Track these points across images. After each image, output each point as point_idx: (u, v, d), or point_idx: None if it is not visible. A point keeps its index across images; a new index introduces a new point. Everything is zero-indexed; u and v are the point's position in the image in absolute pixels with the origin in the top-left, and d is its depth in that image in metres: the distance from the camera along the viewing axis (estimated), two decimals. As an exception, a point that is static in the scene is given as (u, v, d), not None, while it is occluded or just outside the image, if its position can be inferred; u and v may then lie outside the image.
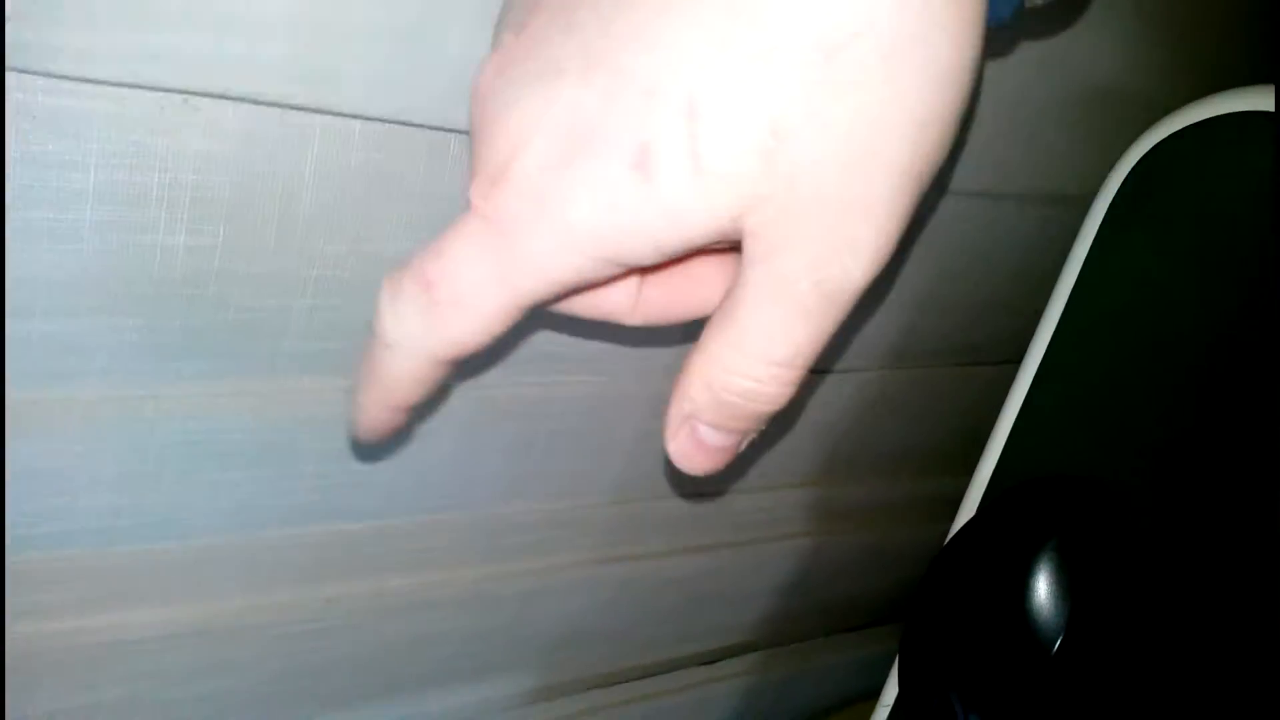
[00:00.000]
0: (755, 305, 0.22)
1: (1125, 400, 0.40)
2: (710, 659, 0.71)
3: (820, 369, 0.62)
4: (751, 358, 0.22)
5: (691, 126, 0.19)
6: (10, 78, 0.29)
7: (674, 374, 0.25)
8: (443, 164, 0.39)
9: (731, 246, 0.22)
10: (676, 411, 0.24)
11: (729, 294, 0.22)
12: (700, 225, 0.21)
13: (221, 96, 0.33)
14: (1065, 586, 0.38)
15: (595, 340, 0.48)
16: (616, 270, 0.23)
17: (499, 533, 0.53)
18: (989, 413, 0.46)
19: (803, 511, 0.66)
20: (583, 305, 0.28)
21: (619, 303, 0.28)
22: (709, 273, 0.28)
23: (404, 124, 0.37)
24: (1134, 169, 0.41)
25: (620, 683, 0.68)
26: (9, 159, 0.31)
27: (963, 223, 0.58)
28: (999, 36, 0.43)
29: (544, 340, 0.47)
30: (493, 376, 0.47)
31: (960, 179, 0.55)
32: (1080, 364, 0.42)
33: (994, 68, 0.51)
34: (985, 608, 0.40)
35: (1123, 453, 0.40)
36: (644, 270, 0.27)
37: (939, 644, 0.42)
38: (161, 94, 0.32)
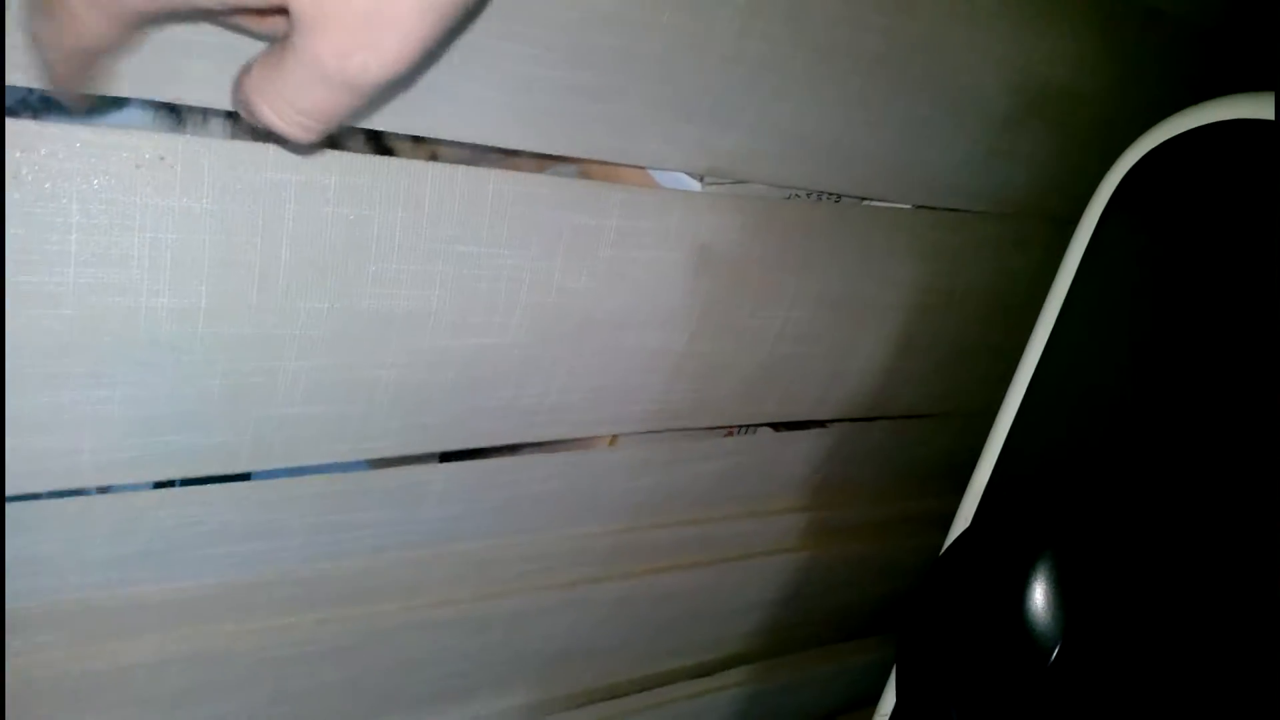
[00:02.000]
0: (293, 63, 0.25)
1: (1120, 408, 0.40)
2: (705, 671, 0.71)
3: (811, 423, 0.63)
4: (285, 100, 0.26)
5: None
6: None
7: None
8: (419, 216, 0.39)
9: None
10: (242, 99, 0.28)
11: (283, 40, 0.26)
12: None
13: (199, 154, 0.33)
14: (1061, 596, 0.38)
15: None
16: None
17: (492, 563, 0.53)
18: (983, 437, 0.46)
19: (796, 530, 0.67)
20: None
21: None
22: None
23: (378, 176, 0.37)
24: (1126, 175, 0.41)
25: (614, 697, 0.68)
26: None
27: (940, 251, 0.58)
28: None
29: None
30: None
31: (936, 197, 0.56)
32: (1074, 372, 0.42)
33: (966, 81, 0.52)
34: (982, 618, 0.40)
35: (1117, 461, 0.40)
36: None
37: (936, 655, 0.42)
38: (138, 153, 0.32)
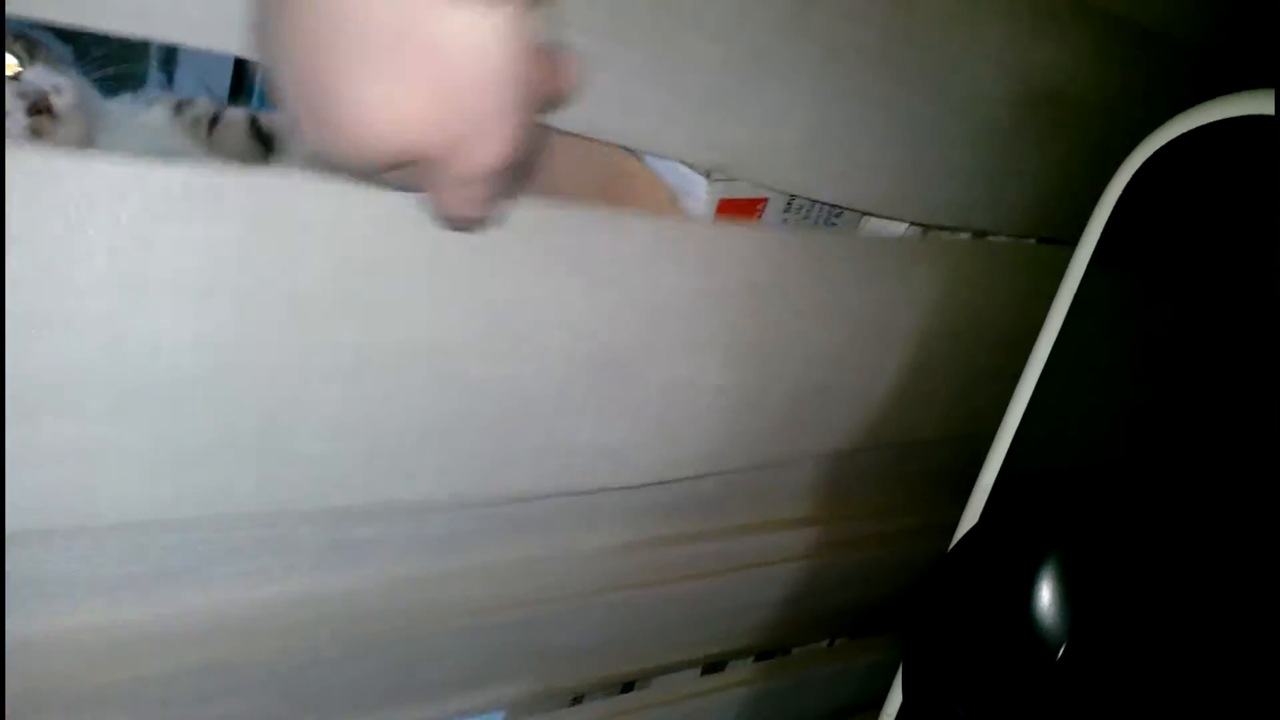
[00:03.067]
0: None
1: (1126, 408, 0.40)
2: (712, 666, 0.71)
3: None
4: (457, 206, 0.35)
5: None
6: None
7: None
8: (444, 246, 0.38)
9: None
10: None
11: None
12: None
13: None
14: (1067, 595, 0.38)
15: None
16: None
17: (501, 576, 0.53)
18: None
19: (803, 542, 0.67)
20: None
21: None
22: None
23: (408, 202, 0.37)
24: (1131, 180, 0.41)
25: (621, 692, 0.68)
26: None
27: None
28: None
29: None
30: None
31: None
32: (1082, 370, 0.42)
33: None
34: (989, 616, 0.40)
35: (1123, 459, 0.40)
36: None
37: (942, 654, 0.42)
38: (164, 183, 0.32)
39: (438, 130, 0.30)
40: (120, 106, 0.42)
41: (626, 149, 0.47)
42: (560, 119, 0.41)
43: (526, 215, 0.40)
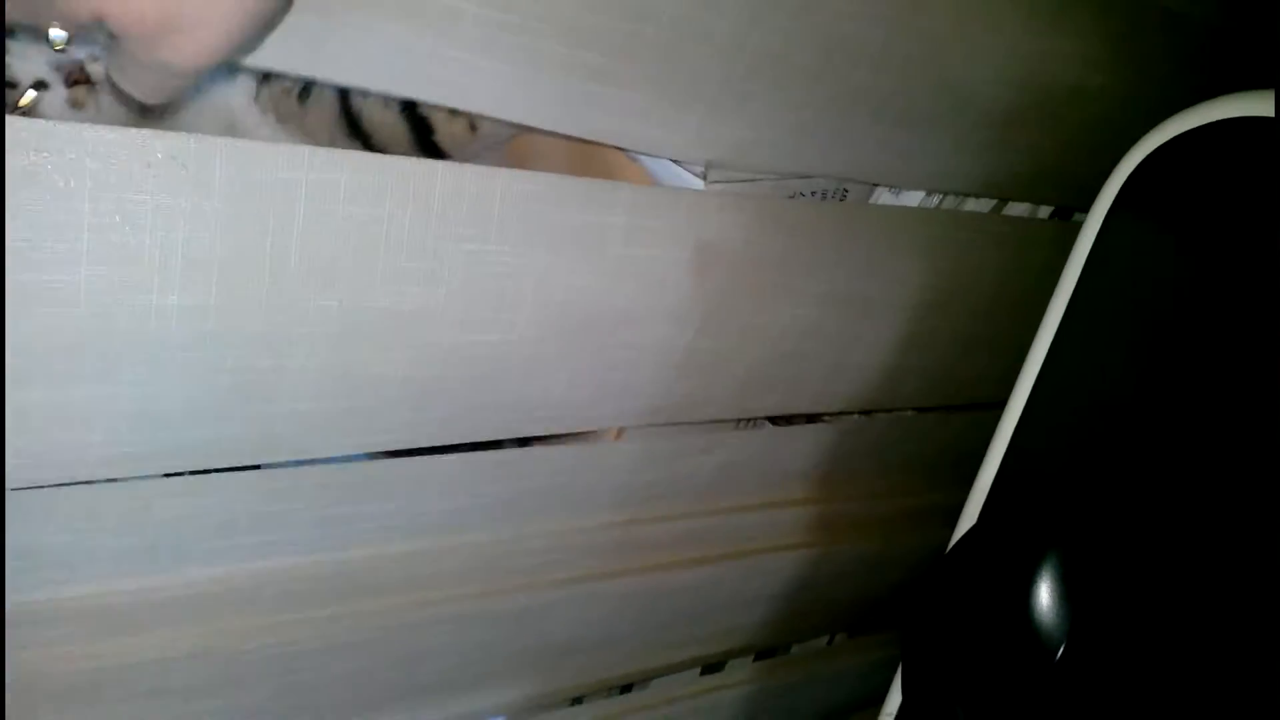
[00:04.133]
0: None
1: (1126, 406, 0.40)
2: (712, 664, 0.71)
3: (812, 416, 0.63)
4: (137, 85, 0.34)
5: None
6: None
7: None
8: (428, 214, 0.39)
9: None
10: None
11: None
12: None
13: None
14: (1067, 595, 0.38)
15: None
16: None
17: (499, 556, 0.53)
18: (987, 431, 0.46)
19: (800, 524, 0.67)
20: None
21: None
22: None
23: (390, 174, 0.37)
24: (1133, 172, 0.41)
25: (621, 691, 0.68)
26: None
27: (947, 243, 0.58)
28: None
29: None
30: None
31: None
32: (1080, 369, 0.42)
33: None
34: (988, 617, 0.40)
35: (1123, 458, 0.40)
36: None
37: (942, 653, 0.42)
38: (149, 152, 0.32)
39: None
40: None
41: (620, 149, 0.47)
42: (558, 121, 0.41)
43: (510, 183, 0.40)
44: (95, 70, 0.38)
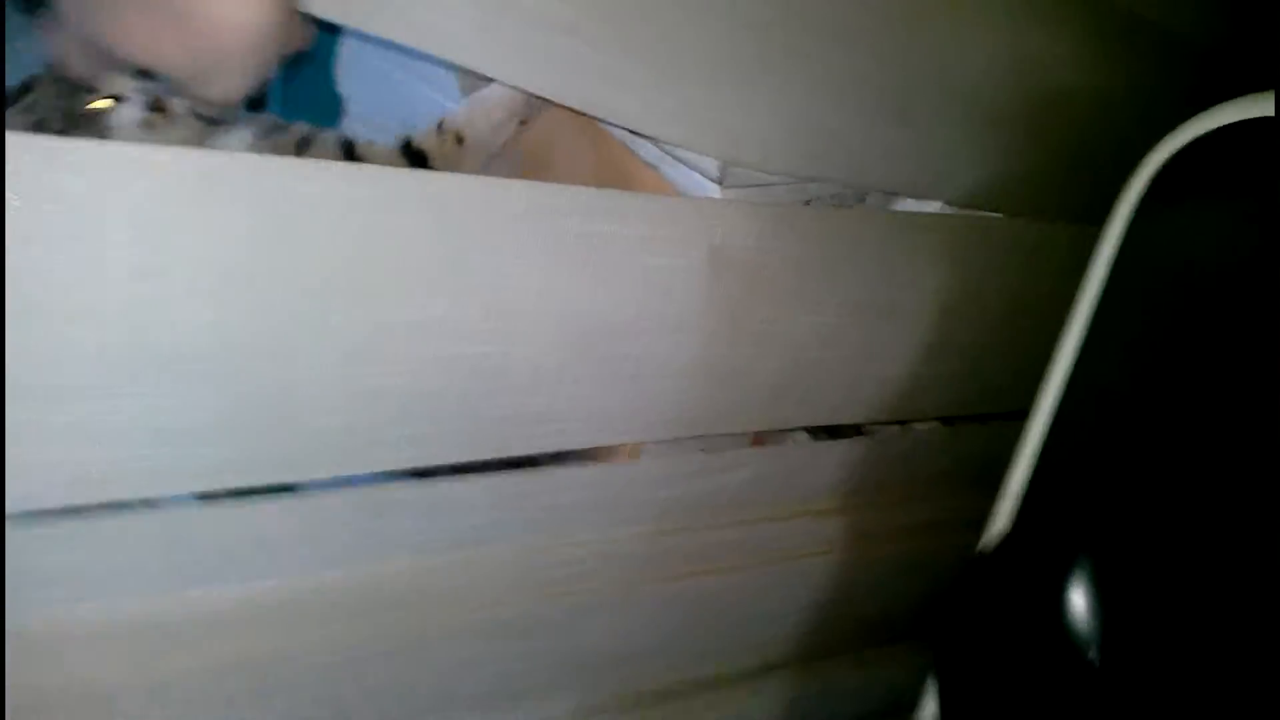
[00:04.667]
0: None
1: (1154, 410, 0.40)
2: (747, 676, 0.71)
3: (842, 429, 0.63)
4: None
5: None
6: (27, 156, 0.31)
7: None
8: (444, 226, 0.39)
9: None
10: None
11: None
12: None
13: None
14: (1100, 603, 0.38)
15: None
16: None
17: (531, 569, 0.54)
18: (1012, 440, 0.46)
19: (830, 535, 0.67)
20: None
21: None
22: None
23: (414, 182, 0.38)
24: (1154, 175, 0.40)
25: (655, 704, 0.68)
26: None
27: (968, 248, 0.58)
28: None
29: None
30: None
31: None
32: (1107, 375, 0.42)
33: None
34: (1021, 624, 0.40)
35: (1152, 465, 0.40)
36: None
37: (976, 664, 0.42)
38: (176, 170, 0.33)
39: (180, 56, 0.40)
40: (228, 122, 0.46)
41: (643, 160, 0.47)
42: (513, 74, 0.42)
43: (522, 193, 0.41)
44: (175, 106, 0.43)
